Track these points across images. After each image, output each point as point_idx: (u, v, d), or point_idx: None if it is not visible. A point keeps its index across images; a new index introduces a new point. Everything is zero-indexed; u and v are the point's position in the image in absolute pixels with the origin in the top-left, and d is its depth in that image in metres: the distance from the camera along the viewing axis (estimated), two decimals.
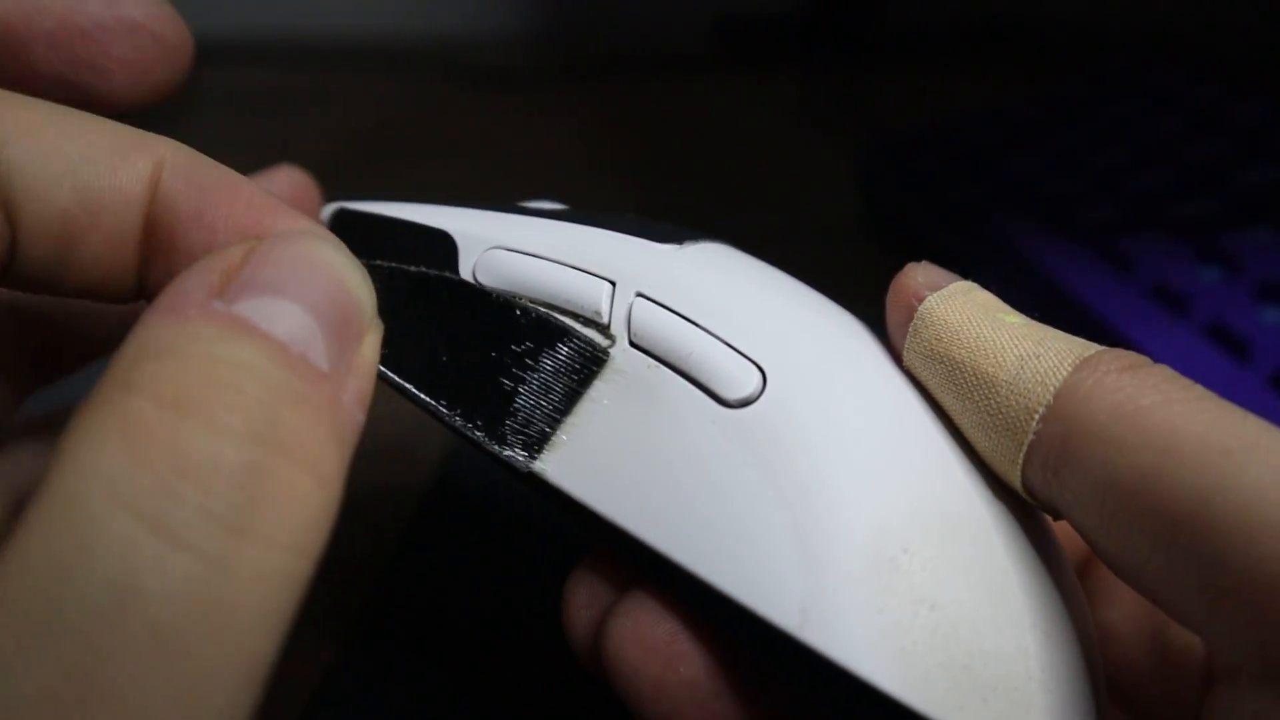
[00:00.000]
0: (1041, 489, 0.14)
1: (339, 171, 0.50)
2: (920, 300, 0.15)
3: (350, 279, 0.13)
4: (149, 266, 0.15)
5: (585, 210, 0.18)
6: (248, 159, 0.17)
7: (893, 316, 0.15)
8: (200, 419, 0.11)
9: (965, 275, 0.16)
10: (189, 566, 0.10)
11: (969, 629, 0.13)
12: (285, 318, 0.12)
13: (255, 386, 0.11)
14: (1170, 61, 0.40)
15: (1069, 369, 0.13)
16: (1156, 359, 0.13)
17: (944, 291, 0.15)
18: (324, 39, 0.67)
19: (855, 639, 0.13)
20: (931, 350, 0.15)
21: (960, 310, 0.15)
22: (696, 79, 0.60)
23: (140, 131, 0.15)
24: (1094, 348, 0.13)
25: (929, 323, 0.15)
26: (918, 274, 0.15)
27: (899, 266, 0.16)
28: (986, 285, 0.15)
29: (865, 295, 0.18)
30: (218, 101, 0.60)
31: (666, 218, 0.18)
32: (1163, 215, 0.31)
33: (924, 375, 0.15)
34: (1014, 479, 0.14)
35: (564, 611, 0.16)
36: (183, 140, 0.15)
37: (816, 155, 0.49)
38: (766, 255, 0.17)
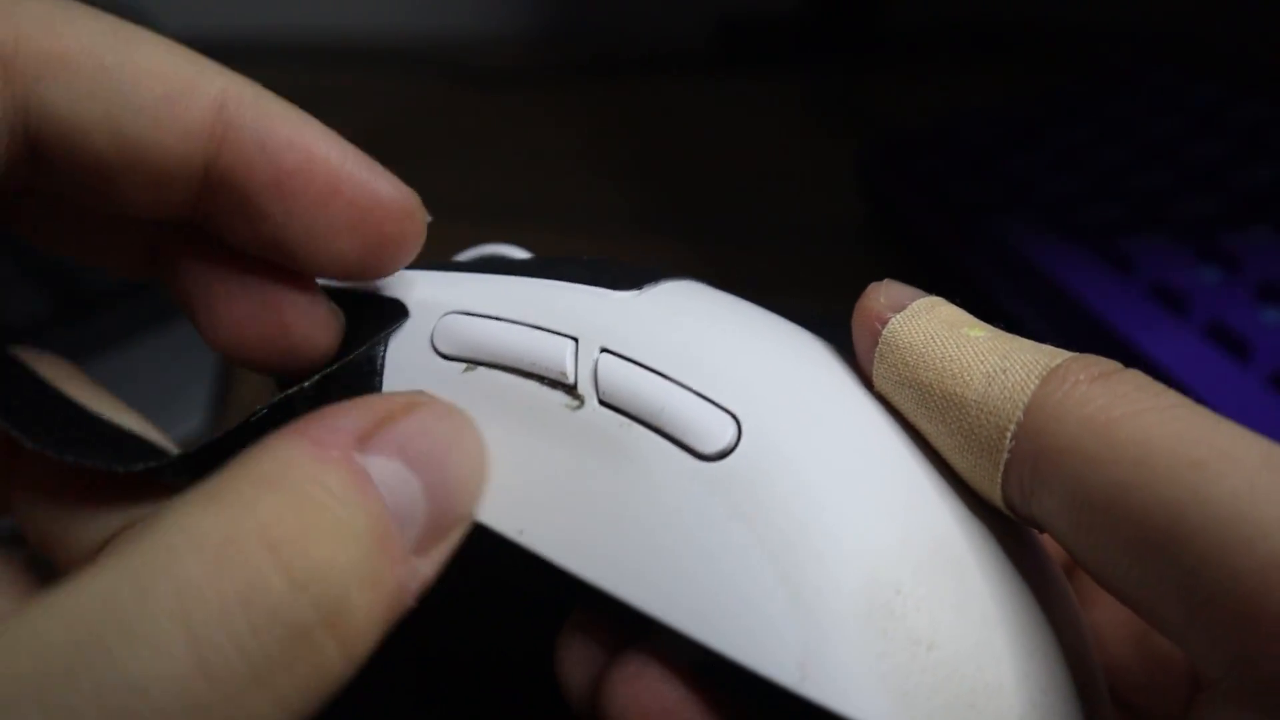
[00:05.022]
0: (1022, 506, 0.13)
1: None
2: (884, 323, 0.15)
3: (474, 475, 0.14)
4: (213, 198, 0.14)
5: (540, 256, 0.18)
6: None
7: (859, 342, 0.15)
8: (284, 565, 0.11)
9: (965, 277, 0.16)
10: (199, 688, 0.10)
11: (970, 664, 0.13)
12: (404, 489, 0.13)
13: (345, 554, 0.12)
14: (1170, 61, 0.40)
15: (1036, 382, 0.13)
16: (1156, 359, 0.13)
17: (907, 311, 0.15)
18: (322, 39, 0.67)
19: (857, 689, 0.13)
20: (899, 375, 0.14)
21: (924, 330, 0.14)
22: (697, 79, 0.60)
23: (197, 63, 0.14)
24: (1061, 355, 0.13)
25: (894, 346, 0.14)
26: (880, 294, 0.15)
27: (899, 266, 0.16)
28: (987, 286, 0.15)
29: None
30: None
31: (667, 219, 0.18)
32: (1163, 215, 0.31)
33: (896, 400, 0.15)
34: (996, 498, 0.14)
35: (558, 667, 0.16)
36: None
37: (817, 155, 0.49)
38: (767, 255, 0.17)
